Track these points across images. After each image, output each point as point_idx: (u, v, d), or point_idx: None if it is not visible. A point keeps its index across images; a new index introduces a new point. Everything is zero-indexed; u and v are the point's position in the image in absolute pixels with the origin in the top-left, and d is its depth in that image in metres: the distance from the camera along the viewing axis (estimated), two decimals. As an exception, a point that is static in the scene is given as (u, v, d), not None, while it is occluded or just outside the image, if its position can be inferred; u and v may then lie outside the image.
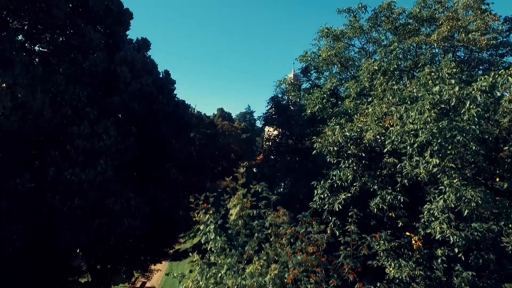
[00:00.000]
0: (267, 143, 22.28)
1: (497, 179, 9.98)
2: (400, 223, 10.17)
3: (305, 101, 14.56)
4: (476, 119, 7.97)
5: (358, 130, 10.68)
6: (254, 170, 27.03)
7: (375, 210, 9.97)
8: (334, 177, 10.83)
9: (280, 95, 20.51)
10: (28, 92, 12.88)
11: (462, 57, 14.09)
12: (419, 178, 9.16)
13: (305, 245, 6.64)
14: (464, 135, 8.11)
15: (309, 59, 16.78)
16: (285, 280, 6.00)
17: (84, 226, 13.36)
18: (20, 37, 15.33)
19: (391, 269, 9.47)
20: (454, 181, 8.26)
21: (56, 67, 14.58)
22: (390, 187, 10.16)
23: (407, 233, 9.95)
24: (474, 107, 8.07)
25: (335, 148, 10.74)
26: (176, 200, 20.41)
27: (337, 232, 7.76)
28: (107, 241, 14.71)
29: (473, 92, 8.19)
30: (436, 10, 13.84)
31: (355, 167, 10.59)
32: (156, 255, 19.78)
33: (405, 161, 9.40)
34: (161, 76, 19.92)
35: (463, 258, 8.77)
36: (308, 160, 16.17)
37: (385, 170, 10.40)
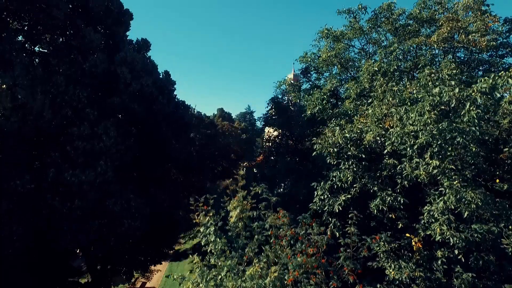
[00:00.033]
0: (267, 144, 22.28)
1: (497, 181, 9.98)
2: (400, 225, 10.18)
3: (305, 102, 14.56)
4: (476, 121, 7.96)
5: (358, 131, 10.68)
6: (254, 170, 27.03)
7: (375, 211, 9.97)
8: (334, 179, 10.83)
9: (280, 96, 20.53)
10: (28, 93, 12.89)
11: (462, 58, 14.09)
12: (419, 180, 9.16)
13: (305, 247, 6.63)
14: (464, 136, 8.10)
15: (309, 60, 16.79)
16: (285, 282, 6.00)
17: (84, 227, 13.37)
18: (20, 37, 15.34)
19: (391, 270, 9.48)
20: (454, 182, 8.26)
21: (56, 68, 14.59)
22: (390, 189, 10.16)
23: (407, 235, 9.95)
24: (474, 108, 8.06)
25: (335, 150, 10.74)
26: (176, 201, 20.42)
27: (337, 234, 7.77)
28: (107, 241, 14.71)
29: (473, 93, 8.19)
30: (436, 11, 13.84)
31: (355, 169, 10.59)
32: (156, 256, 19.79)
33: (405, 163, 9.40)
34: (161, 76, 19.93)
35: (463, 260, 8.77)
36: (308, 161, 16.18)
37: (385, 171, 10.40)
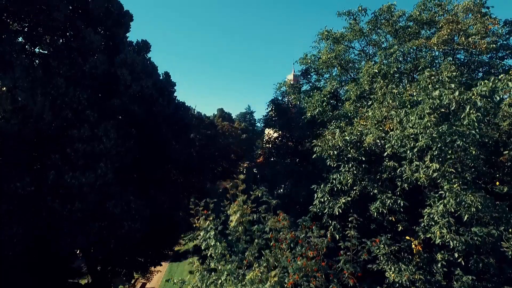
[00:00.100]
0: (267, 145, 22.29)
1: (497, 183, 9.97)
2: (400, 227, 10.18)
3: (305, 104, 14.56)
4: (476, 124, 7.97)
5: (358, 133, 10.68)
6: (254, 170, 27.02)
7: (375, 214, 9.97)
8: (334, 181, 10.84)
9: (280, 98, 20.53)
10: (28, 95, 12.90)
11: (462, 59, 14.10)
12: (419, 183, 9.17)
13: (305, 250, 6.64)
14: (464, 139, 8.11)
15: (309, 61, 16.79)
16: (285, 286, 6.01)
17: (84, 229, 13.38)
18: (20, 39, 15.34)
19: (391, 273, 9.47)
20: (454, 186, 8.26)
21: (56, 69, 14.60)
22: (390, 191, 10.17)
23: (407, 237, 9.96)
24: (474, 111, 8.07)
25: (335, 152, 10.73)
26: (176, 202, 20.44)
27: (337, 236, 7.78)
28: (107, 243, 14.73)
29: (473, 97, 8.20)
30: (436, 13, 13.82)
31: (355, 171, 10.59)
32: (156, 257, 19.80)
33: (405, 166, 9.40)
34: (161, 78, 19.93)
35: (463, 263, 8.78)
36: (308, 163, 16.18)
37: (385, 174, 10.41)
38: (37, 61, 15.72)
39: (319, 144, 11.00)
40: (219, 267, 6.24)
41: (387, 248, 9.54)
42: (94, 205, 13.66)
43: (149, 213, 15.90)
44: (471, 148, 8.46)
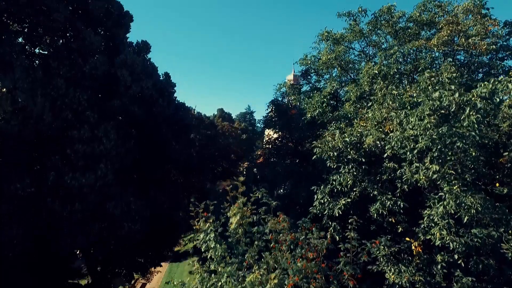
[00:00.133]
0: (267, 146, 22.30)
1: (497, 184, 9.99)
2: (400, 229, 10.19)
3: (305, 105, 14.58)
4: (476, 126, 7.98)
5: (358, 135, 10.70)
6: (254, 170, 27.02)
7: (375, 215, 9.99)
8: (334, 182, 10.85)
9: (280, 98, 20.55)
10: (28, 96, 12.91)
11: (462, 60, 14.11)
12: (419, 184, 9.18)
13: (305, 252, 6.65)
14: (464, 141, 8.12)
15: (309, 62, 16.82)
16: (285, 287, 6.02)
17: (84, 230, 13.39)
18: (20, 39, 15.34)
19: (391, 274, 9.49)
20: (454, 187, 8.27)
21: (56, 70, 14.59)
22: (390, 193, 10.18)
23: (407, 239, 9.97)
24: (474, 113, 8.08)
25: (335, 153, 10.75)
26: (176, 202, 20.43)
27: (337, 238, 7.78)
28: (107, 244, 14.74)
29: (473, 98, 8.21)
30: (436, 14, 13.83)
31: (355, 172, 10.61)
32: (156, 258, 19.80)
33: (405, 167, 9.41)
34: (161, 78, 19.93)
35: (462, 265, 8.78)
36: (308, 164, 16.18)
37: (385, 175, 10.42)
38: (37, 61, 15.72)
39: (319, 145, 11.02)
40: (219, 269, 6.24)
41: (387, 250, 9.55)
42: (94, 206, 13.67)
43: (149, 213, 15.90)
44: (471, 149, 8.47)
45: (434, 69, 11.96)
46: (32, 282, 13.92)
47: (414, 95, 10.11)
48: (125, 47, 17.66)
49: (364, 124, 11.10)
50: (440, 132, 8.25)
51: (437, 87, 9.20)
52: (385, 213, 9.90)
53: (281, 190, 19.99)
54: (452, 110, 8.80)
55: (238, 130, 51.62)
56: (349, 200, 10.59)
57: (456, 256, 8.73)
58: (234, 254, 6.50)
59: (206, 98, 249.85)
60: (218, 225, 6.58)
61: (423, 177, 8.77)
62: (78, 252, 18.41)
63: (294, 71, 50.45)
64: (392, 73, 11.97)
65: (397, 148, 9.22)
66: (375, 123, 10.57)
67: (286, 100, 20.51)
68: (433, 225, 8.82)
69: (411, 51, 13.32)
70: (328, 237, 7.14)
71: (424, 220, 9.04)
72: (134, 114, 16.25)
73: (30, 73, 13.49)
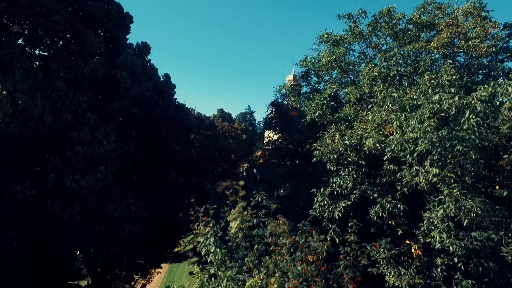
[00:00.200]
0: (267, 147, 22.31)
1: (497, 187, 10.01)
2: (400, 231, 10.20)
3: (305, 107, 14.59)
4: (476, 129, 7.99)
5: (358, 137, 10.71)
6: (254, 170, 27.01)
7: (375, 218, 10.00)
8: (334, 185, 10.86)
9: (280, 100, 20.55)
10: (29, 98, 12.90)
11: (462, 62, 14.13)
12: (418, 187, 9.19)
13: (305, 255, 6.66)
14: (464, 144, 8.14)
15: (309, 64, 16.83)
16: (285, 291, 6.02)
17: (84, 232, 13.38)
18: (20, 41, 15.33)
19: (390, 277, 9.50)
20: (454, 190, 8.28)
21: (56, 72, 14.58)
22: (390, 195, 10.19)
23: (407, 241, 9.98)
24: (473, 116, 8.10)
25: (335, 156, 10.76)
26: (176, 203, 20.44)
27: (337, 240, 7.78)
28: (107, 246, 14.73)
29: (472, 102, 8.23)
30: (436, 16, 13.84)
31: (355, 175, 10.62)
32: (156, 259, 19.79)
33: (405, 170, 9.42)
34: (161, 80, 19.92)
35: (462, 268, 8.79)
36: (308, 165, 16.19)
37: (385, 178, 10.43)
38: (37, 63, 15.70)
39: (319, 148, 11.03)
40: (219, 273, 6.25)
41: (387, 252, 9.57)
42: (94, 208, 13.66)
43: (149, 215, 15.89)
44: (471, 152, 8.48)
45: (434, 71, 11.97)
46: (32, 282, 13.92)
47: (414, 97, 10.13)
48: (125, 48, 17.64)
49: (364, 126, 11.11)
50: (440, 135, 8.26)
51: (437, 90, 9.22)
52: (385, 215, 9.91)
53: (282, 191, 20.00)
54: (452, 113, 8.82)
55: (238, 130, 51.59)
56: (349, 202, 10.60)
57: (456, 259, 8.73)
58: (234, 258, 6.50)
59: (206, 98, 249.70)
60: (218, 229, 6.58)
61: (423, 180, 8.78)
62: (78, 253, 18.43)
63: (294, 72, 50.46)
64: (392, 75, 11.99)
65: (397, 150, 9.24)
66: (375, 125, 10.59)
67: (286, 101, 20.52)
68: (433, 228, 8.83)
69: (411, 53, 13.34)
70: (328, 240, 7.14)
71: (424, 223, 9.05)
72: (134, 116, 16.24)
73: (30, 75, 13.48)
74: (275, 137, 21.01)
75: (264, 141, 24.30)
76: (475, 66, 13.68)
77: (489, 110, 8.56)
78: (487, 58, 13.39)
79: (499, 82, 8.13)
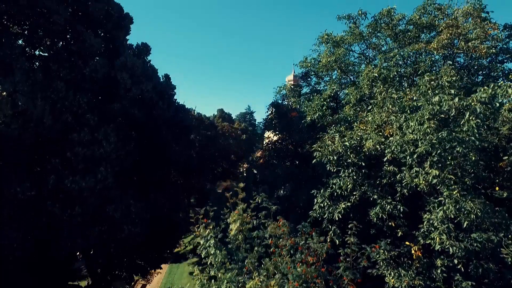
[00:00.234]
0: (267, 147, 22.33)
1: (497, 188, 10.00)
2: (400, 233, 10.21)
3: (305, 108, 14.59)
4: (476, 130, 8.00)
5: (358, 138, 10.72)
6: (254, 171, 27.02)
7: (375, 219, 10.01)
8: (334, 186, 10.87)
9: (280, 101, 20.57)
10: (29, 99, 12.90)
11: (461, 63, 14.13)
12: (418, 189, 9.19)
13: (305, 256, 6.65)
14: (464, 146, 8.14)
15: (309, 64, 16.84)
16: (285, 293, 6.02)
17: (84, 233, 13.39)
18: (20, 41, 15.33)
19: (390, 278, 9.51)
20: (454, 192, 8.29)
21: (57, 73, 14.58)
22: (389, 197, 10.20)
23: (407, 243, 9.98)
24: (473, 118, 8.10)
25: (335, 157, 10.77)
26: (176, 203, 20.44)
27: (337, 241, 7.78)
28: (107, 247, 14.73)
29: (472, 103, 8.23)
30: (436, 17, 13.84)
31: (354, 176, 10.63)
32: (156, 260, 19.80)
33: (405, 171, 9.42)
34: (161, 80, 19.93)
35: (462, 269, 8.80)
36: (308, 166, 16.20)
37: (385, 179, 10.44)
38: (37, 64, 15.69)
39: (319, 149, 11.04)
40: (219, 275, 6.25)
41: (386, 254, 9.58)
42: (94, 209, 13.66)
43: (149, 215, 15.90)
44: (471, 154, 8.49)
45: (434, 72, 11.97)
46: (32, 283, 13.93)
47: (414, 98, 10.13)
48: (125, 49, 17.64)
49: (364, 127, 11.11)
50: (440, 136, 8.27)
51: (437, 91, 9.22)
52: (385, 217, 9.92)
53: (281, 192, 20.01)
54: (452, 114, 8.82)
55: (238, 131, 51.61)
56: (349, 204, 10.61)
57: (456, 261, 8.74)
58: (234, 260, 6.50)
59: (206, 98, 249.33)
60: (218, 231, 6.58)
61: (423, 182, 8.79)
62: (78, 254, 18.44)
63: (294, 72, 50.45)
64: (392, 76, 12.00)
65: (397, 152, 9.24)
66: (375, 126, 10.59)
67: (286, 102, 20.53)
68: (433, 229, 8.84)
69: (411, 54, 13.34)
70: (328, 241, 7.14)
71: (424, 224, 9.06)
72: (134, 116, 16.24)
73: (30, 76, 13.48)
74: (275, 138, 21.02)
75: (264, 142, 24.31)
76: (475, 67, 13.70)
77: (489, 112, 8.57)
78: (487, 59, 13.40)
79: (499, 83, 8.14)
